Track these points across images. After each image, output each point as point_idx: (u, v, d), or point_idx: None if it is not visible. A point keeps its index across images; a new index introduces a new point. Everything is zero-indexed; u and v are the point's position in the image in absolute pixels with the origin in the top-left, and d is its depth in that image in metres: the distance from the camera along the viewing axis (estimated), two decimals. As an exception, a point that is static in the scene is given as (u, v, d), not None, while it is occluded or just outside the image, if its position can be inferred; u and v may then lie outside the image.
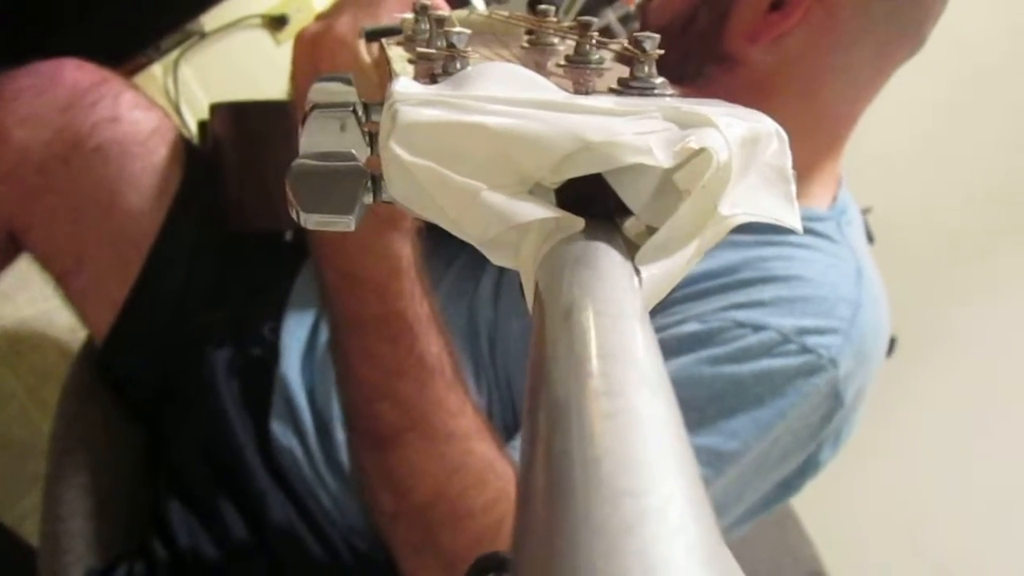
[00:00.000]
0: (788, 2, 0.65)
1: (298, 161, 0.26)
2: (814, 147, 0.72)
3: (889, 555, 1.56)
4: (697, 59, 0.69)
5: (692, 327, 0.63)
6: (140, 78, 1.20)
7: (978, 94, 1.45)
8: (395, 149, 0.23)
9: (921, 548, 1.54)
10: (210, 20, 1.32)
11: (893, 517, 1.56)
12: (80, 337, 0.95)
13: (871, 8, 0.67)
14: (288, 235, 0.91)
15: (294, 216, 0.26)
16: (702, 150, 0.22)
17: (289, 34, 1.40)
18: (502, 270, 0.76)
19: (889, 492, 1.56)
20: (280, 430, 0.77)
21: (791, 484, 0.71)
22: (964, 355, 1.52)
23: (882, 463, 1.45)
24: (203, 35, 1.33)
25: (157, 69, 1.30)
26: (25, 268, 0.90)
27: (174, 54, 1.31)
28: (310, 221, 0.26)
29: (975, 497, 1.51)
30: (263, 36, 1.41)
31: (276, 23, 1.41)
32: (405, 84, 0.25)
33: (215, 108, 0.93)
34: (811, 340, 0.63)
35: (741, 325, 0.62)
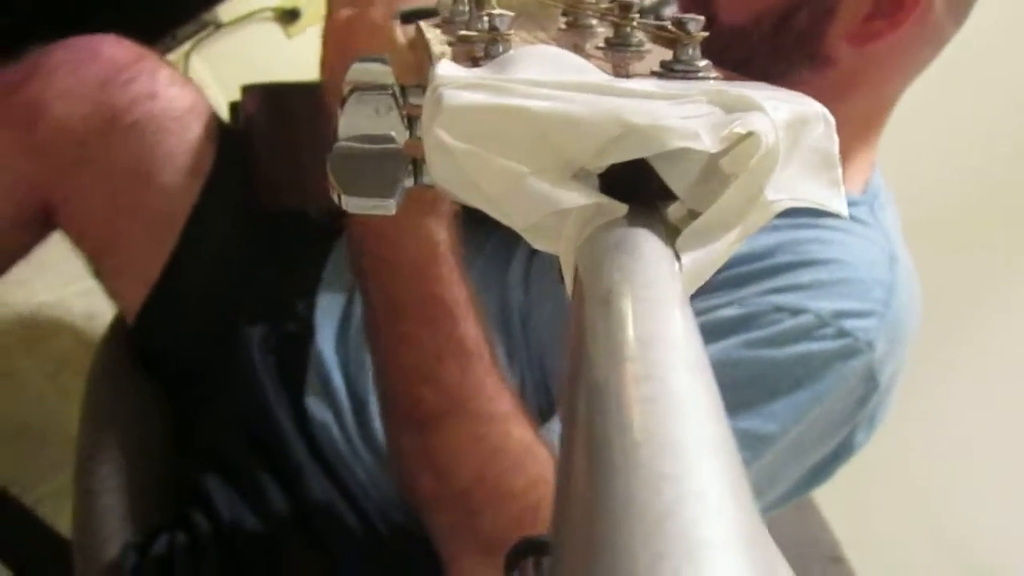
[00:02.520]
0: (897, 9, 0.65)
1: (339, 144, 0.26)
2: (859, 134, 0.72)
3: (908, 541, 1.55)
4: (790, 58, 0.68)
5: (730, 311, 0.63)
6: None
7: (989, 87, 1.43)
8: (439, 133, 0.23)
9: (940, 534, 1.54)
10: (223, 12, 1.32)
11: (912, 503, 1.55)
12: (97, 324, 0.95)
13: (950, 10, 0.67)
14: (312, 212, 0.91)
15: (335, 199, 0.26)
16: (749, 134, 0.21)
17: (300, 27, 1.40)
18: (532, 254, 0.77)
19: (909, 479, 1.55)
20: (315, 405, 0.78)
21: (825, 469, 0.71)
22: (989, 344, 1.51)
23: (902, 450, 1.44)
24: (219, 25, 1.33)
25: (169, 60, 1.31)
26: (42, 254, 0.91)
27: (186, 46, 1.31)
28: (351, 204, 0.26)
29: (995, 484, 1.50)
30: (274, 29, 1.41)
31: (288, 16, 1.41)
32: (448, 67, 0.25)
33: (247, 89, 0.94)
34: (848, 323, 0.63)
35: (779, 309, 0.62)
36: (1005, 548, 1.50)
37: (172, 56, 1.30)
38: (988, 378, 1.50)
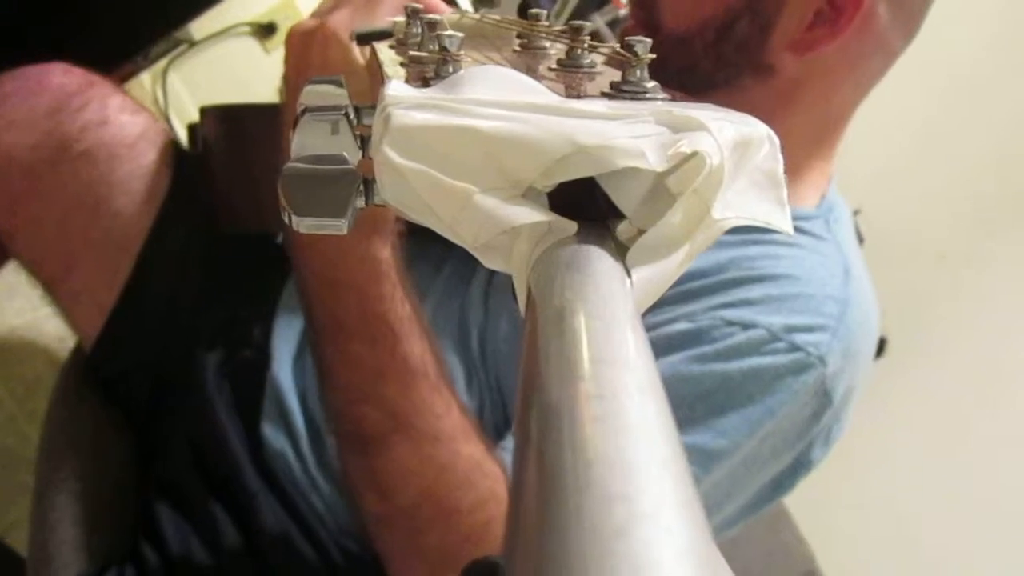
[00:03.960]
0: (838, 17, 0.66)
1: (290, 164, 0.26)
2: (811, 148, 0.73)
3: (883, 554, 1.56)
4: (734, 67, 0.69)
5: (681, 326, 0.63)
6: (128, 86, 1.20)
7: (967, 97, 1.46)
8: (388, 152, 0.23)
9: (914, 546, 1.55)
10: (199, 28, 1.32)
11: (886, 516, 1.57)
12: (68, 346, 0.94)
13: (895, 21, 0.68)
14: (279, 237, 0.90)
15: (286, 220, 0.26)
16: (695, 154, 0.22)
17: (278, 42, 1.40)
18: (492, 272, 0.76)
19: (882, 491, 1.57)
20: (272, 433, 0.77)
21: (782, 483, 0.71)
22: (954, 355, 1.53)
23: (875, 462, 1.46)
24: (192, 43, 1.32)
25: (146, 77, 1.30)
26: (12, 277, 0.89)
27: (163, 62, 1.31)
28: (302, 225, 0.26)
29: (967, 495, 1.52)
30: (252, 44, 1.41)
31: (265, 31, 1.41)
32: (397, 87, 0.25)
33: (205, 111, 0.93)
34: (800, 338, 0.63)
35: (730, 323, 0.63)
36: (976, 560, 1.51)
37: (148, 74, 1.29)
38: (959, 391, 1.52)
